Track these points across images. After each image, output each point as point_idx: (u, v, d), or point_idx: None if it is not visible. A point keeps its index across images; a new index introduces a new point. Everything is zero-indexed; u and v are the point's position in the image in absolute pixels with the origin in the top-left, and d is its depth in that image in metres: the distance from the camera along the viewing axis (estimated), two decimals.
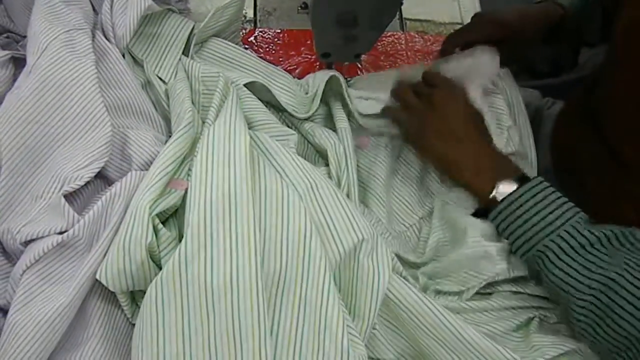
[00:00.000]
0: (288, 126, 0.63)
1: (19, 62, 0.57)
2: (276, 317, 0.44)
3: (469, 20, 0.72)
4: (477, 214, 0.57)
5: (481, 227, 0.54)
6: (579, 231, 0.49)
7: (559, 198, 0.51)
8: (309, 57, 0.76)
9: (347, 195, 0.55)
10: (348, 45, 0.61)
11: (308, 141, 0.62)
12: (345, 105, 0.63)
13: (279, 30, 0.79)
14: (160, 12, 0.63)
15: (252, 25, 0.75)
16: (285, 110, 0.61)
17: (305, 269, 0.45)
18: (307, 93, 0.63)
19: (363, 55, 0.72)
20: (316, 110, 0.62)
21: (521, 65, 0.82)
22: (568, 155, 0.70)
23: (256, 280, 0.42)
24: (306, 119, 0.62)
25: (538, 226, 0.50)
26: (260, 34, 0.74)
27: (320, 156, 0.63)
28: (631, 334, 0.45)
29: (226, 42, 0.65)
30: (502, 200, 0.53)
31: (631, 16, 0.54)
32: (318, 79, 0.62)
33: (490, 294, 0.55)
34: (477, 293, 0.54)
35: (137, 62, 0.62)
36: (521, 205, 0.51)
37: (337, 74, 0.61)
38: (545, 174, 0.66)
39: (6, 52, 0.56)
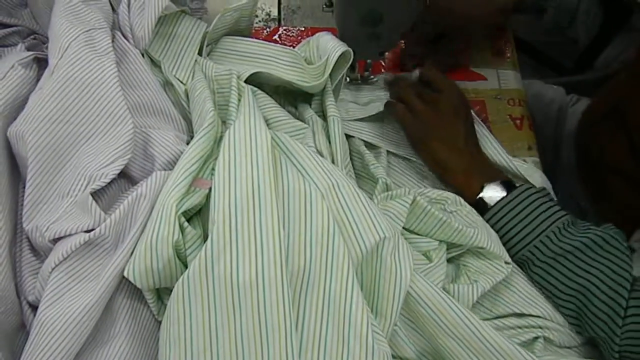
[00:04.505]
0: None
1: (42, 64, 0.57)
2: (301, 313, 0.45)
3: None
4: None
5: None
6: (557, 239, 0.53)
7: (543, 204, 0.55)
8: None
9: None
10: (372, 43, 0.61)
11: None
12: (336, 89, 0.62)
13: (303, 29, 0.79)
14: (175, 13, 0.63)
15: (276, 23, 0.76)
16: (292, 106, 0.60)
17: (329, 266, 0.46)
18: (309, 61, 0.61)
19: (386, 53, 0.73)
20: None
21: (545, 62, 0.82)
22: (592, 153, 0.71)
23: (282, 276, 0.43)
24: (309, 104, 0.61)
25: (523, 232, 0.55)
26: (285, 32, 0.74)
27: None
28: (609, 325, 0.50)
29: (233, 37, 0.65)
30: (495, 204, 0.57)
31: None
32: (326, 47, 0.58)
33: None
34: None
35: (154, 62, 0.63)
36: (510, 210, 0.56)
37: (349, 49, 0.57)
38: (569, 170, 0.67)
39: (30, 52, 0.57)
